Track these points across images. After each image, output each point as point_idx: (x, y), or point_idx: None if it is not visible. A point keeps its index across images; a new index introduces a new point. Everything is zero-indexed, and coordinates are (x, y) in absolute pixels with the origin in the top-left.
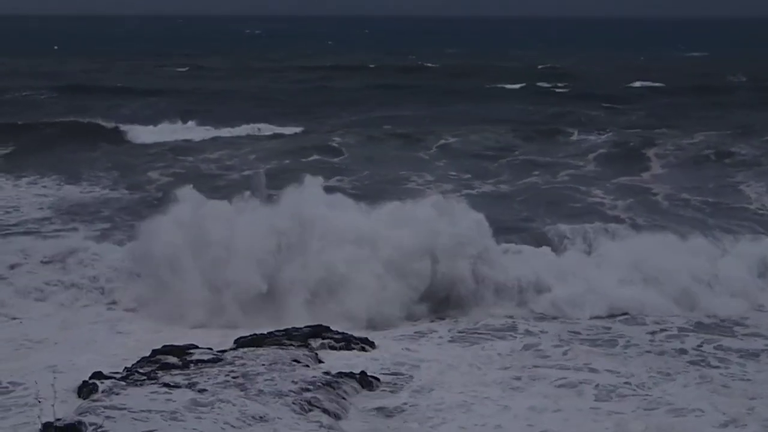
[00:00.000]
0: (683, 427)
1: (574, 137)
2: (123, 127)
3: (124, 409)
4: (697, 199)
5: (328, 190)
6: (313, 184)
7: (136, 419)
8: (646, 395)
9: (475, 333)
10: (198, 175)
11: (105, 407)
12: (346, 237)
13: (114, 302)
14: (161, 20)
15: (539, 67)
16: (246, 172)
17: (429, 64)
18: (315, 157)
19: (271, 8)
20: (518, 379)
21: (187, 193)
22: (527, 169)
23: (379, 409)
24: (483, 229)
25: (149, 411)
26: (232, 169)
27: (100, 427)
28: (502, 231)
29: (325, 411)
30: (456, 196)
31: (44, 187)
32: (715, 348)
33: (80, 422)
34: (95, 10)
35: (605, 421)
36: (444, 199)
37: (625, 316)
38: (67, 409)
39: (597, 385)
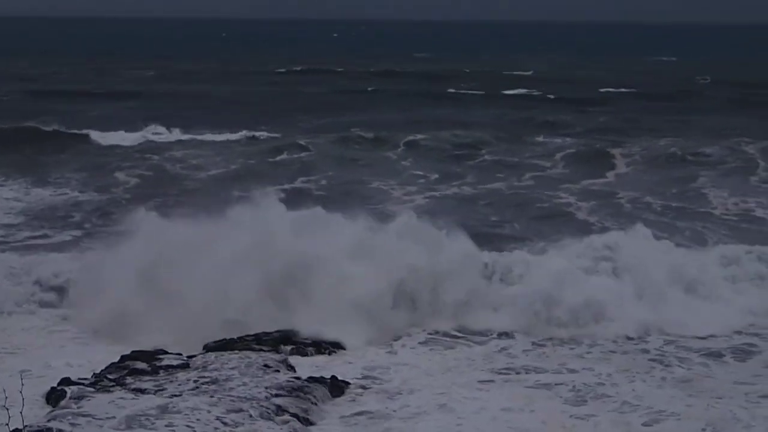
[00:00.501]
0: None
1: (540, 139)
2: (90, 131)
3: (92, 415)
4: (660, 203)
5: (295, 192)
6: (270, 203)
7: (103, 426)
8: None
9: (449, 336)
10: (165, 176)
11: (73, 414)
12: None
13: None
14: (135, 23)
15: (514, 72)
16: (212, 172)
17: (397, 69)
18: (283, 156)
19: (243, 12)
20: (492, 381)
21: (143, 217)
22: (494, 171)
23: (351, 413)
24: (472, 262)
25: (117, 417)
26: (200, 169)
27: None
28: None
29: (295, 416)
30: (431, 220)
31: (11, 190)
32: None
33: (48, 429)
34: (77, 12)
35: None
36: (417, 220)
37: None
38: (36, 416)
39: (573, 387)
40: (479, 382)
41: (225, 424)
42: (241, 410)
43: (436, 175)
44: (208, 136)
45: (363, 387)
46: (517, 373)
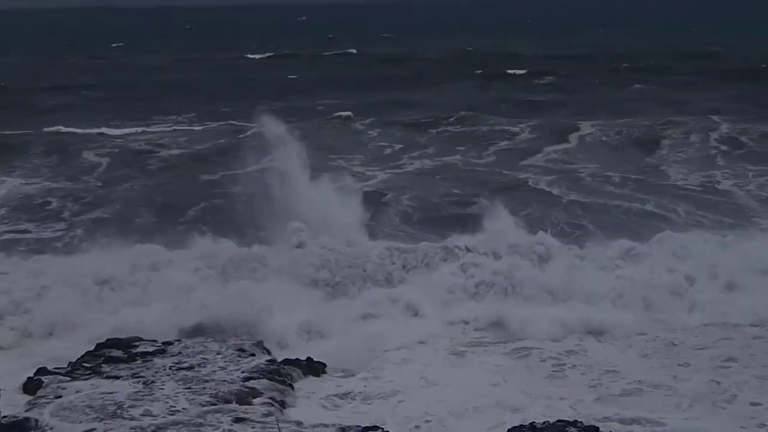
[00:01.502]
0: None
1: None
2: (52, 120)
3: (69, 404)
4: (619, 175)
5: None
6: None
7: (80, 413)
8: None
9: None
10: (131, 155)
11: (49, 403)
12: None
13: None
14: (93, 11)
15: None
16: (173, 152)
17: (353, 51)
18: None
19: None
20: (465, 354)
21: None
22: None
23: (328, 394)
24: None
25: (93, 405)
26: (163, 147)
27: (46, 423)
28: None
29: (272, 399)
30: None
31: None
32: None
33: (26, 419)
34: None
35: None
36: None
37: None
38: (13, 406)
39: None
40: (459, 357)
41: (203, 407)
42: (217, 394)
43: (402, 144)
44: (169, 121)
45: (340, 368)
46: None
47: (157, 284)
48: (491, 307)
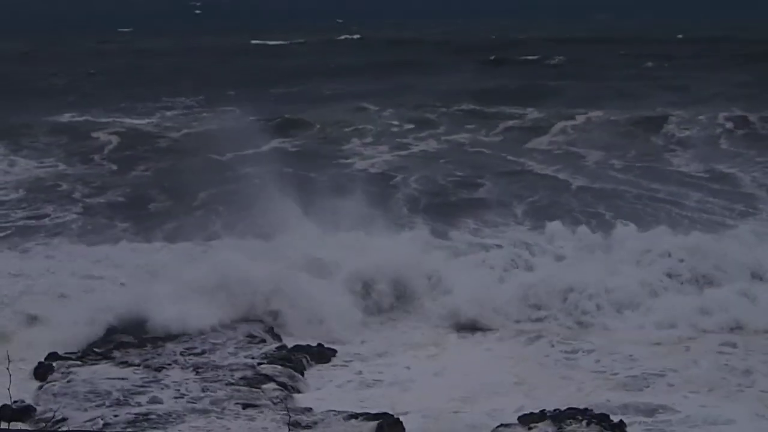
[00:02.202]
0: None
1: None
2: (61, 106)
3: (79, 389)
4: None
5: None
6: None
7: (90, 399)
8: None
9: None
10: (140, 136)
11: (60, 388)
12: None
13: None
14: None
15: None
16: (184, 131)
17: (359, 36)
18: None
19: None
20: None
21: None
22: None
23: (340, 381)
24: None
25: (104, 391)
26: (172, 130)
27: (55, 409)
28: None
29: (282, 385)
30: None
31: None
32: None
33: (36, 404)
34: None
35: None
36: None
37: None
38: (24, 391)
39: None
40: (469, 342)
41: (212, 394)
42: (228, 380)
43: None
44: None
45: (352, 353)
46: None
47: None
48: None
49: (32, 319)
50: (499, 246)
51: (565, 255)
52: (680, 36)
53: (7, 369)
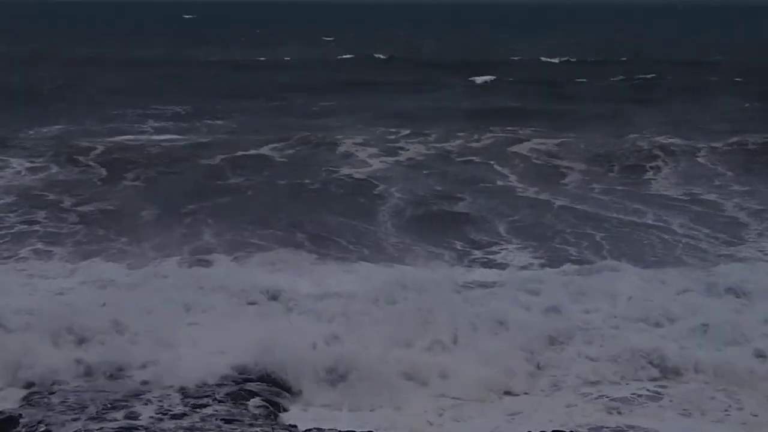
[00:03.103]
0: None
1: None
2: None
3: (66, 399)
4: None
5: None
6: None
7: (77, 409)
8: None
9: None
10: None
11: (43, 398)
12: None
13: None
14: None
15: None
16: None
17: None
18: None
19: None
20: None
21: None
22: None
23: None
24: None
25: (84, 403)
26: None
27: (40, 420)
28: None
29: (266, 402)
30: None
31: None
32: None
33: (20, 414)
34: None
35: None
36: None
37: None
38: (8, 401)
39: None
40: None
41: (193, 408)
42: (211, 395)
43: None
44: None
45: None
46: None
47: None
48: None
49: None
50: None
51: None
52: (668, 58)
53: None
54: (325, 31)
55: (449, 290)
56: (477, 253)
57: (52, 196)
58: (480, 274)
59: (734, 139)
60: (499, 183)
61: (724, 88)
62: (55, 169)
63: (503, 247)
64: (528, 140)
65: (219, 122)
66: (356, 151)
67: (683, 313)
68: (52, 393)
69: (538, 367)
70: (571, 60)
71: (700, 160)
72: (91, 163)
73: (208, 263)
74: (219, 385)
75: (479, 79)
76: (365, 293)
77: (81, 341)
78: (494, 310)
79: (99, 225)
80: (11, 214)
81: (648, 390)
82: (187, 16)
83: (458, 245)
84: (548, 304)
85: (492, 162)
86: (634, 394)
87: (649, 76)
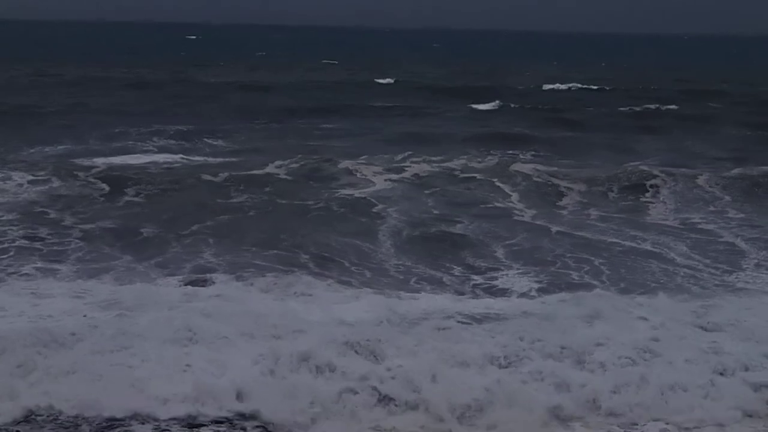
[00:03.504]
0: None
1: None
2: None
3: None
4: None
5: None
6: None
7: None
8: None
9: None
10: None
11: None
12: None
13: None
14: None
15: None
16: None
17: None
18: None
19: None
20: None
21: None
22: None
23: None
24: None
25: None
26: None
27: None
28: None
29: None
30: None
31: None
32: None
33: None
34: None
35: None
36: None
37: None
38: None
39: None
40: None
41: None
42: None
43: None
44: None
45: None
46: None
47: None
48: None
49: None
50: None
51: None
52: (672, 85)
53: None
54: (328, 55)
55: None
56: (477, 279)
57: (53, 214)
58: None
59: (736, 170)
60: (499, 205)
61: (728, 118)
62: (56, 183)
63: (503, 273)
64: (529, 162)
65: (221, 142)
66: (357, 172)
67: None
68: None
69: None
70: (579, 87)
71: (700, 188)
72: (92, 180)
73: (207, 283)
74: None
75: (483, 106)
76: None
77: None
78: None
79: (100, 242)
80: (13, 228)
81: None
82: (190, 37)
83: (457, 270)
84: None
85: (493, 183)
86: None
87: (653, 106)
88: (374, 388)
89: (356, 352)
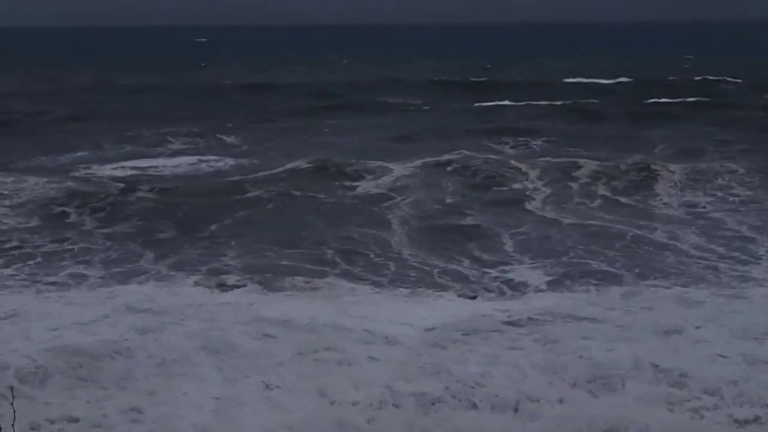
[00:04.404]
0: None
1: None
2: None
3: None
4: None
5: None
6: None
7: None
8: None
9: None
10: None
11: None
12: None
13: None
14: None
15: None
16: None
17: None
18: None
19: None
20: None
21: None
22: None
23: None
24: None
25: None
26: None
27: None
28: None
29: None
30: None
31: None
32: None
33: None
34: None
35: None
36: None
37: None
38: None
39: None
40: None
41: None
42: None
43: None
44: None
45: None
46: None
47: None
48: None
49: None
50: None
51: None
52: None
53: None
54: (338, 54)
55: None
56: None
57: (73, 217)
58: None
59: (748, 162)
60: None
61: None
62: (73, 189)
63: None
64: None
65: (233, 142)
66: (371, 167)
67: None
68: None
69: None
70: (595, 81)
71: (714, 180)
72: (107, 182)
73: (234, 289)
74: None
75: (490, 102)
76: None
77: None
78: None
79: (122, 245)
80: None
81: None
82: (199, 40)
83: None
84: None
85: (505, 173)
86: None
87: (665, 99)
88: None
89: None
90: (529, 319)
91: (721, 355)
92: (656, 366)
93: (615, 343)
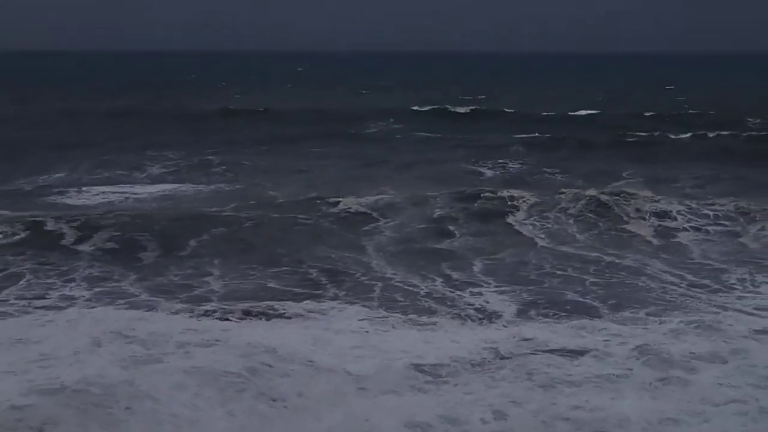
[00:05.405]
0: None
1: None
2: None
3: None
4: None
5: None
6: None
7: None
8: None
9: None
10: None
11: None
12: None
13: None
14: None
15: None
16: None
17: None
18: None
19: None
20: None
21: None
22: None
23: None
24: None
25: None
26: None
27: None
28: None
29: None
30: None
31: None
32: None
33: None
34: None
35: None
36: None
37: None
38: None
39: None
40: None
41: None
42: None
43: None
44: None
45: None
46: None
47: None
48: None
49: None
50: None
51: None
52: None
53: None
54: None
55: None
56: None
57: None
58: None
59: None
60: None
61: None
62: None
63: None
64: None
65: (215, 168)
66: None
67: None
68: None
69: None
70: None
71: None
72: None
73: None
74: None
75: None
76: None
77: None
78: None
79: (103, 268)
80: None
81: None
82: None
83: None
84: None
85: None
86: None
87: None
88: None
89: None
90: None
91: None
92: None
93: None
